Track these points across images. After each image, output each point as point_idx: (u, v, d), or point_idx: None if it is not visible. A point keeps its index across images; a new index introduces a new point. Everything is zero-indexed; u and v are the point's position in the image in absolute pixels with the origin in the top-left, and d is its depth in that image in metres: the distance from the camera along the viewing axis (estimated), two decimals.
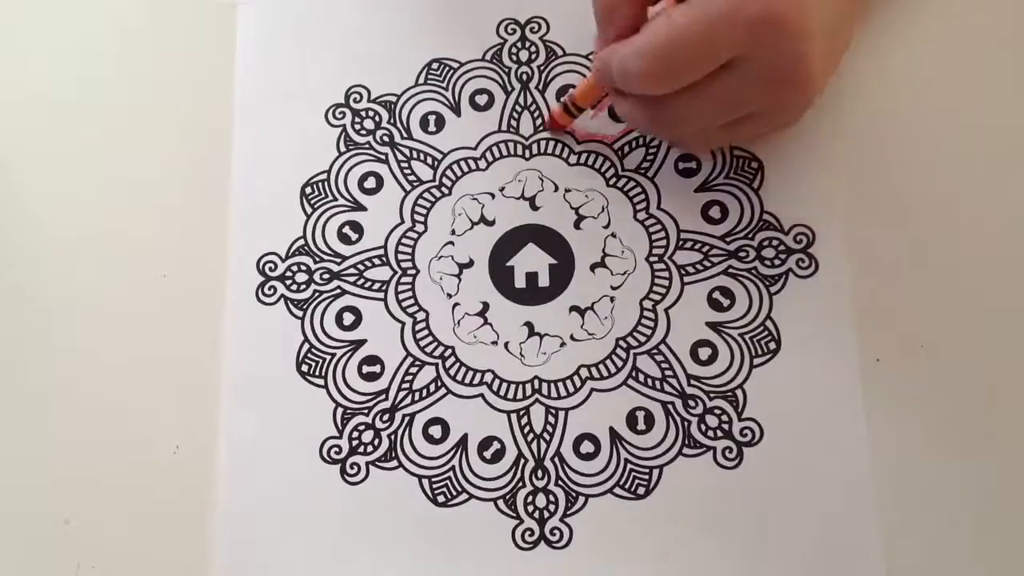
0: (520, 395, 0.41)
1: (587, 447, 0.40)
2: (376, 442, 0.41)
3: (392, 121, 0.45)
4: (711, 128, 0.39)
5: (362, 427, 0.41)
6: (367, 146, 0.45)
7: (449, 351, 0.42)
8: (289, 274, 0.43)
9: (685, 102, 0.37)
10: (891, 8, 0.44)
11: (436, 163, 0.44)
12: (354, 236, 0.43)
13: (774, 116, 0.39)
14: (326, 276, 0.43)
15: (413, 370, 0.41)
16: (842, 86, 0.43)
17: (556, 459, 0.40)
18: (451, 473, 0.40)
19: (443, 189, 0.44)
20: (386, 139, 0.45)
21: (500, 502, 0.39)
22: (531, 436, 0.40)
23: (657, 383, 0.40)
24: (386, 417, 0.41)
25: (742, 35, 0.34)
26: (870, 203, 0.42)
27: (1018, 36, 0.43)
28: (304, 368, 0.42)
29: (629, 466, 0.39)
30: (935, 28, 0.44)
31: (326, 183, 0.44)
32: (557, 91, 0.44)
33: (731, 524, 0.38)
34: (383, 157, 0.44)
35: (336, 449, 0.41)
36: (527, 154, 0.44)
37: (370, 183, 0.44)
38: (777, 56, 0.35)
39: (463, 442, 0.40)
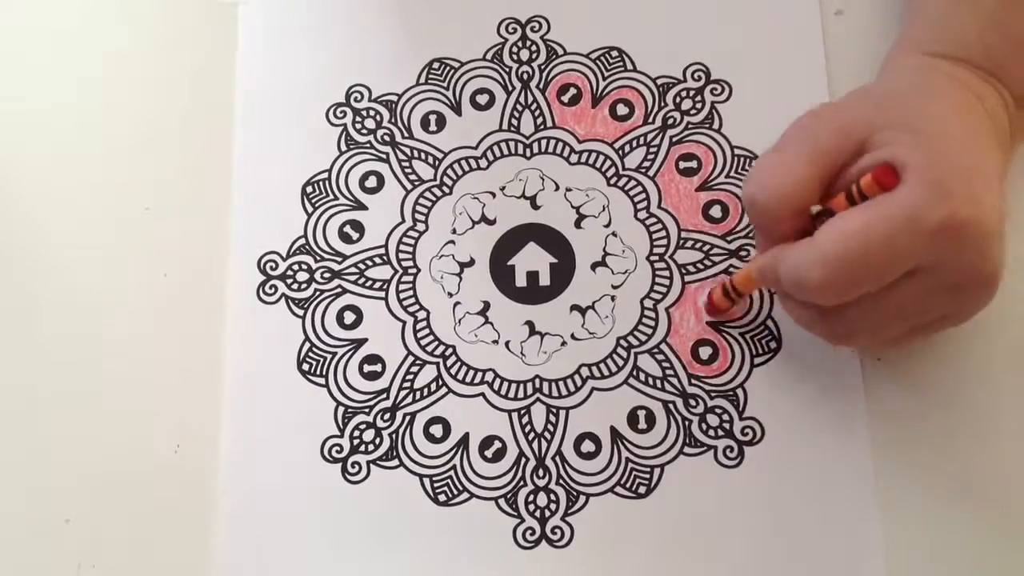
0: (521, 394, 0.41)
1: (588, 446, 0.40)
2: (377, 441, 0.40)
3: (393, 120, 0.45)
4: (890, 336, 0.36)
5: (363, 426, 0.41)
6: (368, 145, 0.45)
7: (450, 350, 0.42)
8: (290, 273, 0.43)
9: (863, 312, 0.35)
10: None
11: (437, 162, 0.44)
12: (355, 235, 0.43)
13: (954, 318, 0.36)
14: (327, 275, 0.43)
15: (414, 369, 0.41)
16: (842, 85, 0.43)
17: (557, 458, 0.40)
18: (452, 472, 0.40)
19: (444, 188, 0.44)
20: (387, 138, 0.45)
21: (501, 501, 0.39)
22: (532, 435, 0.40)
23: (658, 382, 0.40)
24: (387, 416, 0.41)
25: (927, 242, 0.32)
26: None
27: None
28: (305, 367, 0.42)
29: (630, 465, 0.39)
30: None
31: (327, 182, 0.44)
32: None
33: (731, 523, 0.38)
34: (384, 156, 0.44)
35: (337, 448, 0.40)
36: (528, 153, 0.44)
37: (371, 182, 0.44)
38: (961, 262, 0.33)
39: (464, 441, 0.40)
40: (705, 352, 0.41)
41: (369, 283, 0.43)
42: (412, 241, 0.43)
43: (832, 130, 0.35)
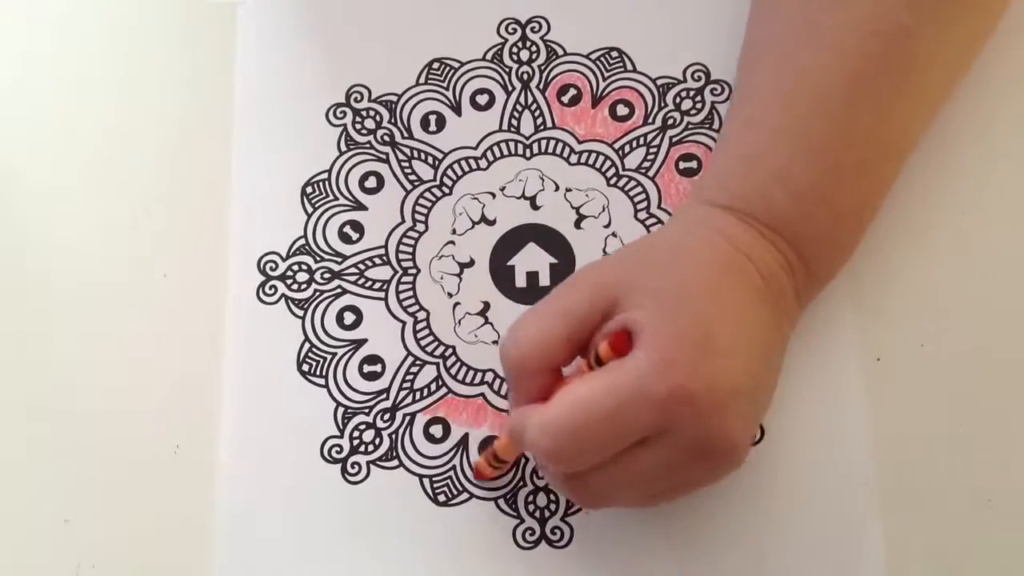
0: None
1: None
2: (377, 441, 0.41)
3: (393, 121, 0.45)
4: (634, 499, 0.36)
5: (363, 426, 0.41)
6: (368, 146, 0.45)
7: (450, 350, 0.42)
8: (290, 273, 0.43)
9: (605, 478, 0.34)
10: None
11: (437, 163, 0.44)
12: (355, 235, 0.43)
13: (701, 482, 0.36)
14: (327, 275, 0.43)
15: (414, 369, 0.41)
16: None
17: None
18: (452, 472, 0.40)
19: (444, 188, 0.44)
20: (387, 139, 0.45)
21: (501, 501, 0.39)
22: None
23: None
24: (387, 416, 0.41)
25: (653, 414, 0.32)
26: None
27: (1015, 31, 0.44)
28: (305, 367, 0.42)
29: None
30: None
31: (327, 182, 0.44)
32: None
33: (731, 523, 0.38)
34: (384, 157, 0.44)
35: (337, 448, 0.40)
36: (528, 153, 0.44)
37: (371, 183, 0.44)
38: (694, 432, 0.33)
39: (464, 441, 0.40)
40: None
41: (369, 283, 0.43)
42: (412, 241, 0.43)
43: (588, 288, 0.35)
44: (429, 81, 0.45)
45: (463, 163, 0.44)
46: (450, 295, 0.42)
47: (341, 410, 0.41)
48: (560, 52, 0.45)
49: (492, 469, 0.39)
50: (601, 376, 0.33)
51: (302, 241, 0.43)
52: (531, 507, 0.39)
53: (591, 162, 0.44)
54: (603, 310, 0.34)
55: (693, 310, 0.33)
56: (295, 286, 0.43)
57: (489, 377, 0.41)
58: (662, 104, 0.44)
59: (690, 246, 0.36)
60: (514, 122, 0.44)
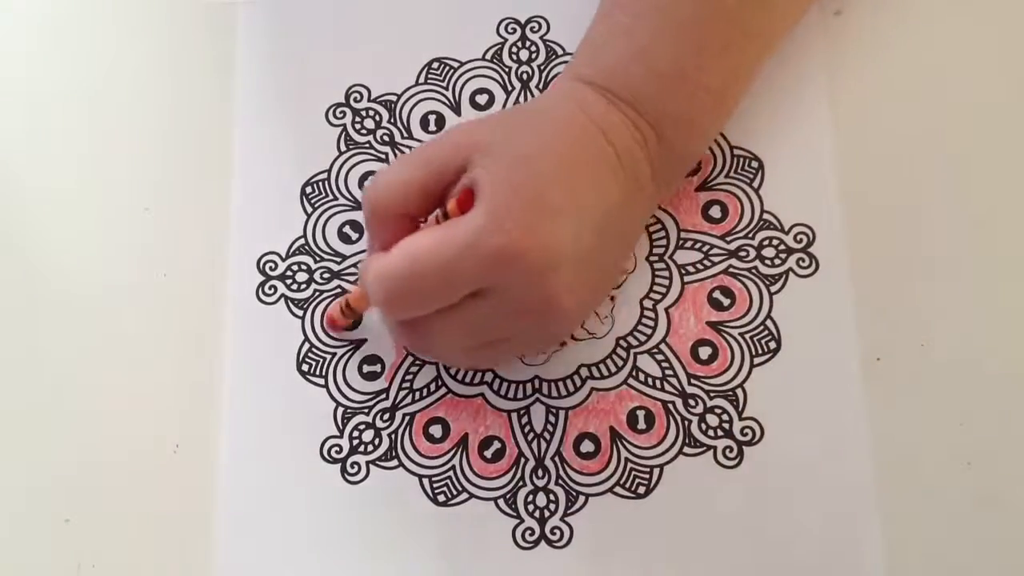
0: (520, 394, 0.41)
1: (587, 446, 0.40)
2: (376, 441, 0.41)
3: (392, 120, 0.45)
4: (463, 351, 0.38)
5: (362, 426, 0.41)
6: (367, 145, 0.45)
7: None
8: (289, 273, 0.43)
9: (433, 327, 0.36)
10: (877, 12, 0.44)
11: None
12: (355, 235, 0.43)
13: (530, 341, 0.38)
14: (327, 275, 0.43)
15: (413, 369, 0.41)
16: (841, 85, 0.43)
17: (556, 458, 0.40)
18: (451, 472, 0.40)
19: None
20: (386, 139, 0.45)
21: (500, 501, 0.39)
22: (531, 435, 0.40)
23: (657, 382, 0.40)
24: (386, 416, 0.41)
25: (481, 269, 0.33)
26: (870, 203, 0.42)
27: (1015, 31, 0.44)
28: (304, 367, 0.42)
29: (630, 465, 0.39)
30: (935, 28, 0.44)
31: (326, 182, 0.44)
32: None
33: (731, 523, 0.38)
34: (384, 156, 0.44)
35: (336, 448, 0.40)
36: None
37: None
38: (520, 290, 0.34)
39: (463, 441, 0.40)
40: (705, 352, 0.41)
41: None
42: None
43: (449, 144, 0.36)
44: (429, 81, 0.45)
45: None
46: None
47: (341, 410, 0.41)
48: (560, 52, 0.45)
49: (343, 318, 0.40)
50: (439, 229, 0.34)
51: (302, 241, 0.43)
52: (531, 507, 0.39)
53: None
54: (458, 167, 0.35)
55: (532, 172, 0.34)
56: (295, 286, 0.43)
57: (489, 377, 0.41)
58: None
59: (549, 115, 0.37)
60: None
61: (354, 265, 0.43)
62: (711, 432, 0.40)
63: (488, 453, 0.40)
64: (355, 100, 0.45)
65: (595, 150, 0.36)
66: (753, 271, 0.41)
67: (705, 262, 0.42)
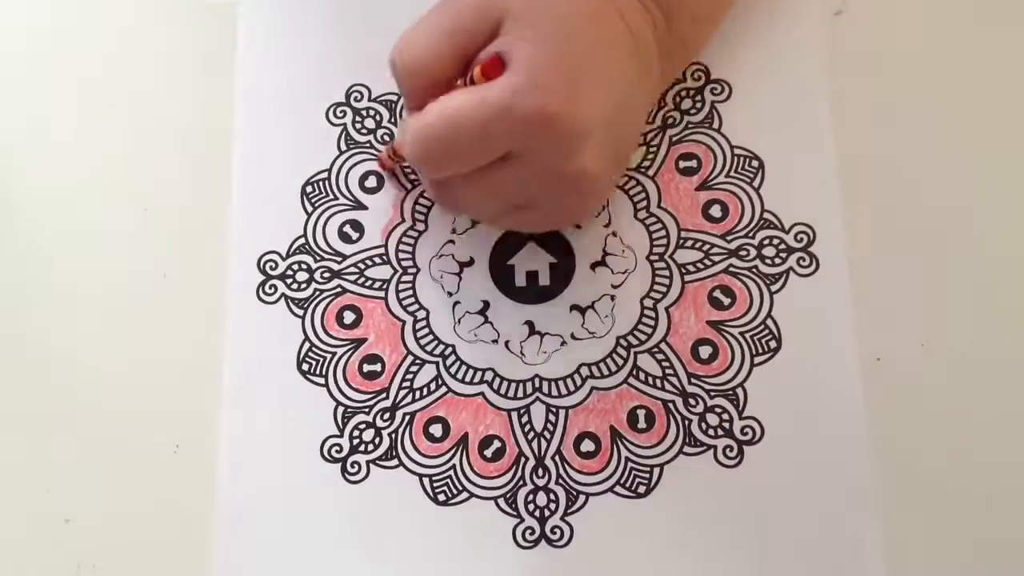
0: (521, 394, 0.41)
1: (588, 446, 0.40)
2: (377, 441, 0.41)
3: (393, 120, 0.45)
4: (493, 213, 0.39)
5: (363, 426, 0.41)
6: (368, 145, 0.45)
7: (450, 350, 0.42)
8: (290, 273, 0.43)
9: (464, 187, 0.37)
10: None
11: None
12: (355, 235, 0.43)
13: (557, 209, 0.39)
14: (327, 275, 0.43)
15: (414, 369, 0.41)
16: (841, 85, 0.43)
17: (557, 458, 0.40)
18: (452, 472, 0.40)
19: None
20: (387, 138, 0.45)
21: (501, 501, 0.39)
22: (532, 435, 0.40)
23: (658, 382, 0.40)
24: (387, 416, 0.41)
25: (516, 131, 0.34)
26: (870, 203, 0.42)
27: (1016, 31, 0.44)
28: (305, 367, 0.42)
29: (630, 465, 0.39)
30: (935, 28, 0.44)
31: (327, 182, 0.44)
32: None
33: (731, 523, 0.38)
34: None
35: (337, 448, 0.40)
36: None
37: (371, 182, 0.44)
38: (550, 153, 0.35)
39: (464, 441, 0.40)
40: (705, 351, 0.41)
41: (369, 283, 0.43)
42: (412, 241, 0.43)
43: (472, 9, 0.36)
44: None
45: None
46: (450, 294, 0.42)
47: (341, 409, 0.41)
48: None
49: (391, 161, 0.43)
50: (474, 91, 0.34)
51: (302, 240, 0.43)
52: (531, 507, 0.39)
53: None
54: (488, 31, 0.36)
55: (568, 40, 0.35)
56: (295, 285, 0.43)
57: (489, 376, 0.41)
58: (662, 103, 0.44)
59: None
60: None
61: (354, 265, 0.43)
62: (711, 432, 0.40)
63: (488, 452, 0.40)
64: (355, 100, 0.45)
65: (614, 29, 0.37)
66: (753, 270, 0.41)
67: (705, 261, 0.42)
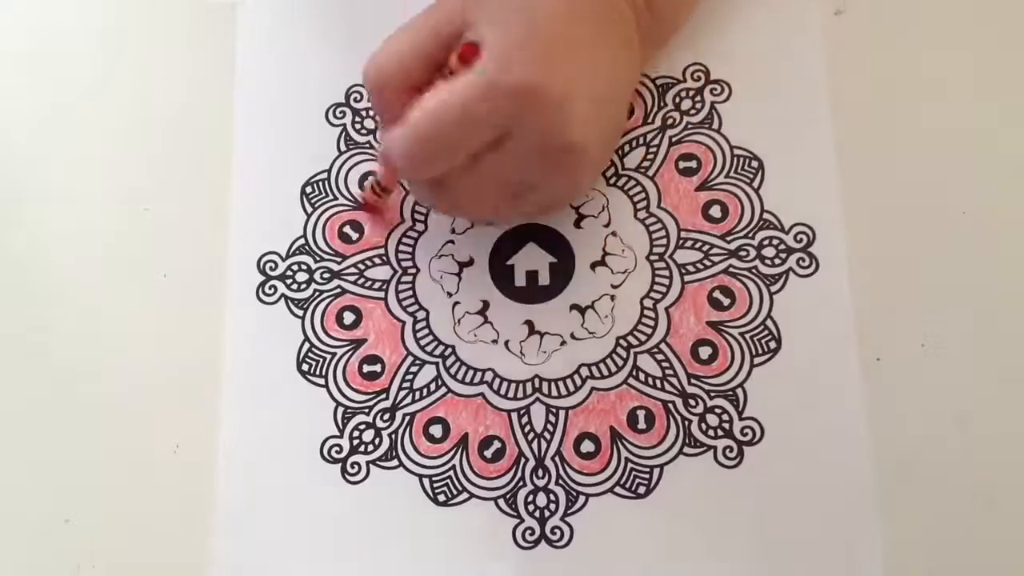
0: (520, 394, 0.41)
1: (588, 446, 0.40)
2: (377, 441, 0.41)
3: None
4: (493, 205, 0.39)
5: (362, 426, 0.41)
6: (368, 146, 0.45)
7: (449, 350, 0.42)
8: (289, 273, 0.43)
9: (460, 182, 0.37)
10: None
11: None
12: (355, 235, 0.43)
13: (555, 189, 0.39)
14: (326, 275, 0.43)
15: (414, 369, 0.41)
16: (841, 85, 0.43)
17: (557, 458, 0.40)
18: (451, 472, 0.40)
19: None
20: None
21: (501, 501, 0.39)
22: (532, 435, 0.40)
23: (658, 382, 0.40)
24: (386, 416, 0.41)
25: (499, 108, 0.34)
26: (870, 203, 0.42)
27: (1016, 32, 0.44)
28: (304, 367, 0.42)
29: (630, 465, 0.39)
30: (935, 28, 0.44)
31: (326, 182, 0.44)
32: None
33: (731, 524, 0.38)
34: None
35: (337, 448, 0.40)
36: None
37: (371, 183, 0.44)
38: (537, 125, 0.35)
39: (464, 441, 0.40)
40: (705, 352, 0.41)
41: (368, 283, 0.43)
42: (412, 241, 0.43)
43: (442, 11, 0.37)
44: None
45: None
46: (450, 294, 0.42)
47: (341, 410, 0.41)
48: None
49: (376, 197, 0.42)
50: (451, 82, 0.34)
51: (302, 241, 0.43)
52: (531, 507, 0.39)
53: None
54: (455, 27, 0.36)
55: (541, 20, 0.35)
56: (295, 286, 0.43)
57: (489, 377, 0.41)
58: (661, 104, 0.44)
59: None
60: None
61: (354, 265, 0.43)
62: (711, 432, 0.40)
63: (488, 453, 0.40)
64: (355, 100, 0.45)
65: (588, 4, 0.37)
66: (753, 271, 0.41)
67: (705, 262, 0.42)
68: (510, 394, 0.41)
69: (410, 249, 0.43)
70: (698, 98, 0.44)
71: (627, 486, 0.39)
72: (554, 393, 0.41)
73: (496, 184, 0.37)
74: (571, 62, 0.35)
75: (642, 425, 0.40)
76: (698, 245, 0.42)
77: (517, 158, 0.36)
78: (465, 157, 0.36)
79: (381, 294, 0.43)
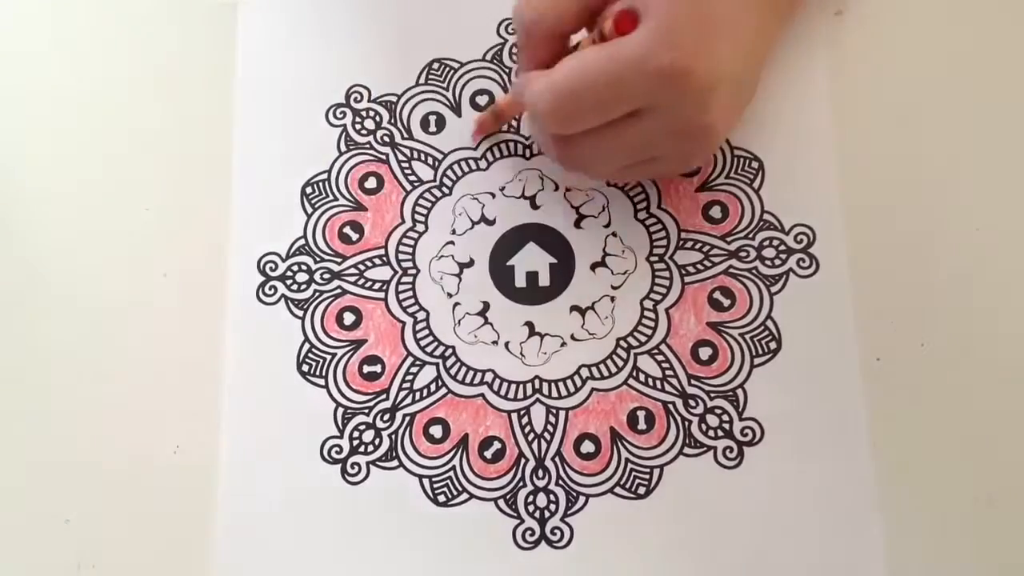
0: (521, 395, 0.41)
1: (588, 447, 0.40)
2: (377, 442, 0.41)
3: (392, 121, 0.45)
4: (617, 168, 0.39)
5: (363, 427, 0.41)
6: (368, 146, 0.45)
7: (450, 351, 0.42)
8: (290, 274, 0.43)
9: (590, 143, 0.37)
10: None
11: (437, 163, 0.44)
12: (355, 236, 0.43)
13: (677, 161, 0.40)
14: (327, 276, 0.43)
15: (414, 370, 0.41)
16: (841, 85, 0.43)
17: (557, 459, 0.40)
18: (452, 473, 0.40)
19: (444, 189, 0.44)
20: (387, 139, 0.45)
21: (501, 502, 0.39)
22: (532, 436, 0.40)
23: (658, 383, 0.40)
24: (387, 417, 0.41)
25: (650, 85, 0.34)
26: (870, 203, 0.42)
27: (1016, 33, 0.44)
28: (304, 368, 0.42)
29: (630, 466, 0.39)
30: (935, 28, 0.44)
31: (326, 183, 0.44)
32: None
33: (731, 524, 0.38)
34: (384, 157, 0.44)
35: (337, 449, 0.40)
36: (528, 153, 0.44)
37: (371, 183, 0.44)
38: (682, 108, 0.36)
39: (464, 442, 0.40)
40: (705, 353, 0.41)
41: (369, 284, 0.43)
42: (412, 242, 0.43)
43: None
44: (429, 81, 0.45)
45: (463, 163, 0.44)
46: (450, 295, 0.42)
47: (341, 410, 0.41)
48: None
49: (492, 122, 0.43)
50: (607, 46, 0.35)
51: (302, 241, 0.43)
52: (531, 507, 0.39)
53: None
54: None
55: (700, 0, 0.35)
56: (295, 286, 0.43)
57: (489, 377, 0.41)
58: None
59: None
60: (514, 122, 0.44)
61: (354, 266, 0.43)
62: (711, 432, 0.40)
63: (488, 453, 0.40)
64: (355, 100, 0.45)
65: None
66: (753, 271, 0.41)
67: (705, 262, 0.42)
68: (510, 395, 0.41)
69: (410, 249, 0.43)
70: None
71: (627, 486, 0.39)
72: (554, 394, 0.41)
73: (625, 151, 0.38)
74: (725, 46, 0.35)
75: (642, 426, 0.40)
76: (698, 246, 0.42)
77: (652, 132, 0.36)
78: (601, 122, 0.36)
79: (381, 295, 0.43)
